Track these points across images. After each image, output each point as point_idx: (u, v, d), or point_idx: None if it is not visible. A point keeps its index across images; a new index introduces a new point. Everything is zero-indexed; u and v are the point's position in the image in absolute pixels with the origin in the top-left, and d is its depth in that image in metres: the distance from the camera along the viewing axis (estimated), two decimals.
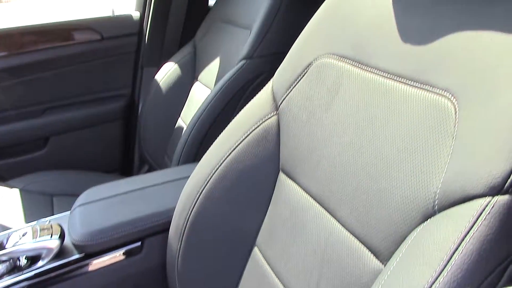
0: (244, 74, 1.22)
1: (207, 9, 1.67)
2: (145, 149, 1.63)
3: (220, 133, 0.88)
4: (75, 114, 1.71)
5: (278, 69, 0.84)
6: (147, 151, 1.62)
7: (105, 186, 1.00)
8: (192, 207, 0.83)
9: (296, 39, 0.84)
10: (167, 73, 1.58)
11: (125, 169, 1.88)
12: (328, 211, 0.68)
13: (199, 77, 1.52)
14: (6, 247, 0.82)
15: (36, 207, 1.28)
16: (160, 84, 1.57)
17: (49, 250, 0.83)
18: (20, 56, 1.59)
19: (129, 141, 1.84)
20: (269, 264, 0.79)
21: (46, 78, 1.65)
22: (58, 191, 1.40)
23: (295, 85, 0.78)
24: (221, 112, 1.23)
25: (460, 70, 0.53)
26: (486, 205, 0.46)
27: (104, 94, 1.76)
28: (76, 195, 0.99)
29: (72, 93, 1.71)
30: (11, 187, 1.37)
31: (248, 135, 0.81)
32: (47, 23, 1.63)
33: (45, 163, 1.66)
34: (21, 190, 1.35)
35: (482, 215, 0.46)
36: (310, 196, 0.73)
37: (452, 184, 0.49)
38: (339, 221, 0.66)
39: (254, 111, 0.84)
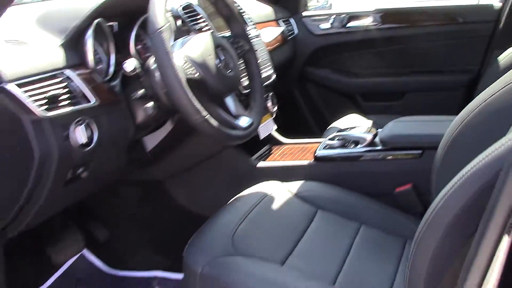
0: None
1: None
2: None
3: None
4: (425, 78, 2.21)
5: None
6: None
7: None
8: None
9: None
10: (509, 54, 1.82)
11: None
12: None
13: None
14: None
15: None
16: (500, 64, 1.83)
17: (366, 139, 1.37)
18: (396, 30, 2.19)
19: None
20: None
21: (407, 49, 2.20)
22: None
23: None
24: None
25: None
26: None
27: (452, 68, 2.17)
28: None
29: (426, 64, 2.20)
30: None
31: None
32: (422, 7, 2.15)
33: (398, 110, 2.14)
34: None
35: None
36: None
37: None
38: None
39: None
